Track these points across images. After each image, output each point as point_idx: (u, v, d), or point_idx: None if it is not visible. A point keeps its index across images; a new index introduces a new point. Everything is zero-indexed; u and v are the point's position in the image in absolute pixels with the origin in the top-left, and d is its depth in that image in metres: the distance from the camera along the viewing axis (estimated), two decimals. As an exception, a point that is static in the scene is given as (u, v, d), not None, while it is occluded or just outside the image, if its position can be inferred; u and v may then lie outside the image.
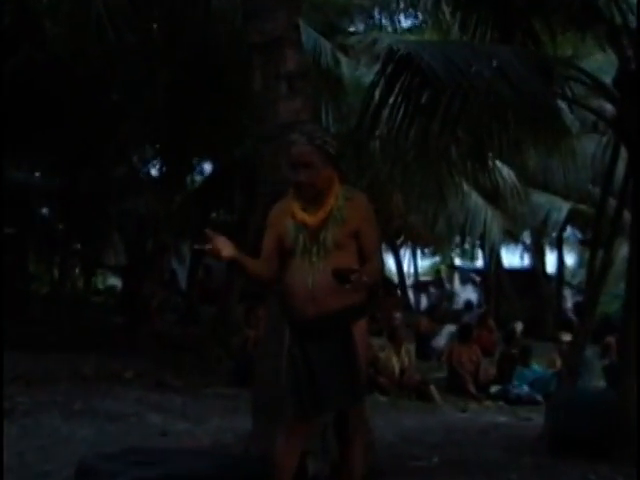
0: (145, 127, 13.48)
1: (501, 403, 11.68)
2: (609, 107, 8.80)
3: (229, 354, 12.00)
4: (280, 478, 4.12)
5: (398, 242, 26.55)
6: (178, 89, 11.73)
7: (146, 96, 11.94)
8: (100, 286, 25.77)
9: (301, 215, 4.12)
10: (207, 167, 18.75)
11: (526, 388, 11.98)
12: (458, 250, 32.55)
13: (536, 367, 12.71)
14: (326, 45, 11.37)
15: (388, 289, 18.02)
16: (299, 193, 4.13)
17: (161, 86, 11.59)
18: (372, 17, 14.35)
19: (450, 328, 16.18)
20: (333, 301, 3.98)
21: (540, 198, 17.58)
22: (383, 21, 14.30)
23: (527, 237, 26.08)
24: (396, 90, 7.21)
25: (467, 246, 28.93)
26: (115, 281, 25.25)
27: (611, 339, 12.44)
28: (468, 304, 25.30)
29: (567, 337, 11.79)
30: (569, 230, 24.57)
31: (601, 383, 11.06)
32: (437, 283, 31.28)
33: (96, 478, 4.72)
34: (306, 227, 4.10)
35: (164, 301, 16.89)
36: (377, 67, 7.79)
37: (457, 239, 25.89)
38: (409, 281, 31.38)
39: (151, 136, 14.90)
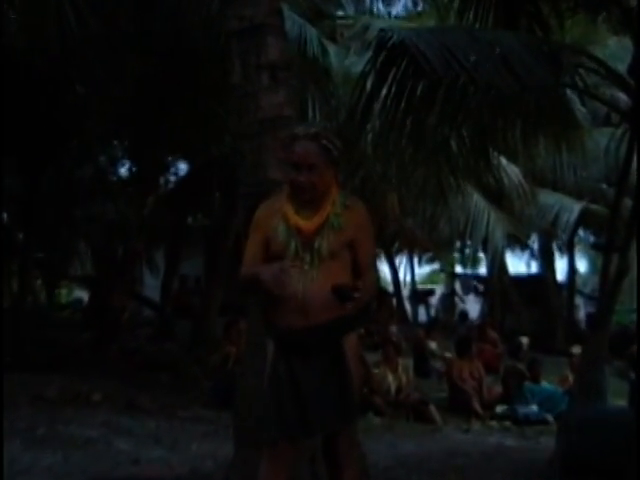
0: (113, 123, 13.46)
1: (507, 424, 11.69)
2: (623, 97, 8.86)
3: (208, 373, 11.97)
4: (264, 509, 4.11)
5: (393, 248, 26.59)
6: (149, 81, 11.71)
7: (113, 89, 11.91)
8: (65, 299, 25.71)
9: (295, 219, 4.12)
10: (182, 167, 18.75)
11: (535, 407, 11.99)
12: (459, 256, 32.63)
13: (546, 384, 12.72)
14: (312, 32, 11.38)
15: (382, 300, 18.04)
16: (296, 194, 4.13)
17: (130, 78, 11.57)
18: (363, 1, 14.38)
19: (431, 345, 16.24)
20: (324, 313, 3.98)
21: (549, 198, 17.64)
22: (375, 5, 14.34)
23: (534, 241, 26.15)
24: (389, 81, 7.24)
25: (468, 251, 29.01)
26: (81, 294, 25.21)
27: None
28: (462, 315, 25.38)
29: (579, 351, 11.83)
30: (581, 233, 24.65)
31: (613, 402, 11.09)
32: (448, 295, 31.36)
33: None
34: (299, 232, 4.10)
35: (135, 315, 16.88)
36: (368, 56, 7.81)
37: (458, 244, 25.98)
38: (406, 291, 31.43)
39: (120, 133, 14.88)
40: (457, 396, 12.43)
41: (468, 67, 6.46)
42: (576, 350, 12.44)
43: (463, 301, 30.01)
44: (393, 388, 11.68)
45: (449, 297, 31.04)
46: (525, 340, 15.48)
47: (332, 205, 4.13)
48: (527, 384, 12.44)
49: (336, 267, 4.06)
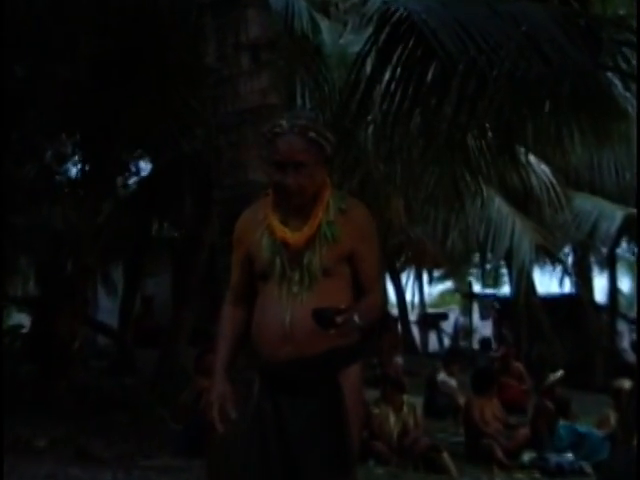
0: (62, 113, 13.45)
1: (537, 475, 11.69)
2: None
3: (176, 413, 11.95)
4: None
5: (398, 263, 26.60)
6: (105, 63, 11.72)
7: (62, 72, 11.91)
8: (2, 325, 25.62)
9: (281, 230, 4.09)
10: (145, 166, 18.72)
11: (570, 455, 11.98)
12: (477, 273, 32.68)
13: (583, 427, 12.70)
14: (301, 4, 11.40)
15: (385, 325, 18.04)
16: (282, 200, 4.11)
17: (82, 59, 11.57)
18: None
19: (448, 381, 16.21)
20: (315, 342, 3.95)
21: (585, 203, 17.67)
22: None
23: (568, 255, 26.20)
24: (393, 63, 7.27)
25: (489, 267, 29.05)
26: (22, 318, 25.14)
27: None
28: (485, 342, 25.37)
29: (625, 385, 11.81)
30: (624, 245, 24.69)
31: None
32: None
33: None
34: (286, 247, 4.08)
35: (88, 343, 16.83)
36: (368, 33, 7.84)
37: (476, 258, 26.00)
38: (413, 314, 31.46)
39: (70, 125, 14.86)
40: (476, 442, 12.39)
41: (488, 48, 6.48)
42: (621, 385, 12.37)
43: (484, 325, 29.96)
44: (396, 431, 11.66)
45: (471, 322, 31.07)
46: (559, 373, 15.38)
47: (325, 211, 4.11)
48: (562, 423, 12.42)
49: (332, 287, 4.04)
